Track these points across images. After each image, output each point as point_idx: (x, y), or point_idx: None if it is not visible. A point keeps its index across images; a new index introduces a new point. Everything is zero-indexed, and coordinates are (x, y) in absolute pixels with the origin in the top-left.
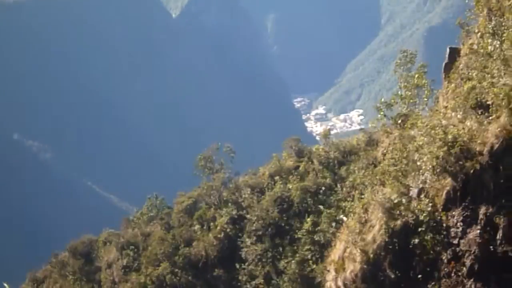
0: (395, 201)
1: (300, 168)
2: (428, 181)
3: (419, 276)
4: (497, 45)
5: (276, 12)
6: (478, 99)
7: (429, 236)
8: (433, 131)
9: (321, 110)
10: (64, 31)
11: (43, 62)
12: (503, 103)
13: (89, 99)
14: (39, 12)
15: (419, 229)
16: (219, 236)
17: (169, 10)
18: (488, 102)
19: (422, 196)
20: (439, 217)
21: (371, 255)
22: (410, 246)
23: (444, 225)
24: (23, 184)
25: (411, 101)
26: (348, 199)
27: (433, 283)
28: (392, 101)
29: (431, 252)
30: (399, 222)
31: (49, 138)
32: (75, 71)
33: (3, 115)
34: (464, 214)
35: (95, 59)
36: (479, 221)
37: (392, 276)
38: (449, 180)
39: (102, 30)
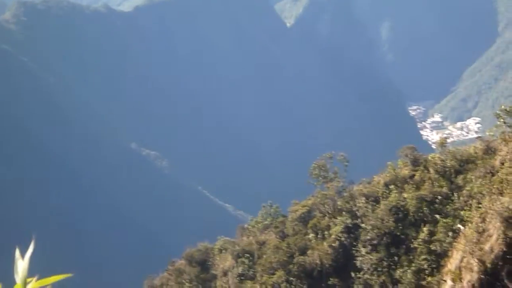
0: None
1: (416, 177)
2: None
3: None
4: None
5: (391, 19)
6: None
7: None
8: None
9: (437, 118)
10: (175, 38)
11: (149, 71)
12: None
13: (199, 108)
14: (152, 17)
15: None
16: (333, 245)
17: (284, 19)
18: None
19: None
20: None
21: (489, 265)
22: None
23: None
24: (140, 190)
25: None
26: (465, 208)
27: None
28: None
29: None
30: None
31: (164, 148)
32: (182, 80)
33: (121, 127)
34: None
35: (205, 65)
36: None
37: (511, 286)
38: None
39: (214, 37)
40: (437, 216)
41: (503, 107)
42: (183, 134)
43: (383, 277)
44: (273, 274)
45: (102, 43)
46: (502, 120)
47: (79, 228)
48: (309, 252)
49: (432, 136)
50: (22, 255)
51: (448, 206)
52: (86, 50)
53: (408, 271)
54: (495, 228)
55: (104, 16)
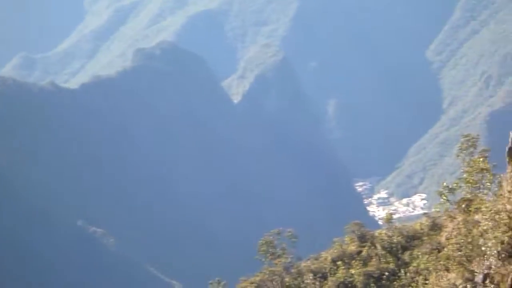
0: (460, 287)
1: (363, 253)
2: (493, 266)
3: None
4: None
5: (337, 96)
6: None
7: None
8: (497, 216)
9: (383, 194)
10: (123, 115)
11: (102, 149)
12: None
13: (146, 184)
14: (98, 93)
15: None
16: None
17: (231, 95)
18: None
19: (487, 281)
20: None
21: None
22: None
23: None
24: (88, 267)
25: (474, 185)
26: (412, 284)
27: None
28: (455, 185)
29: None
30: None
31: (111, 225)
32: (129, 156)
33: (69, 204)
34: None
35: (153, 142)
36: None
37: None
38: None
39: (162, 113)
40: None
41: (444, 184)
42: (130, 212)
43: None
44: None
45: (50, 120)
46: (444, 197)
47: None
48: None
49: (378, 212)
50: None
51: (395, 283)
52: (35, 127)
53: None
54: None
55: (51, 93)
